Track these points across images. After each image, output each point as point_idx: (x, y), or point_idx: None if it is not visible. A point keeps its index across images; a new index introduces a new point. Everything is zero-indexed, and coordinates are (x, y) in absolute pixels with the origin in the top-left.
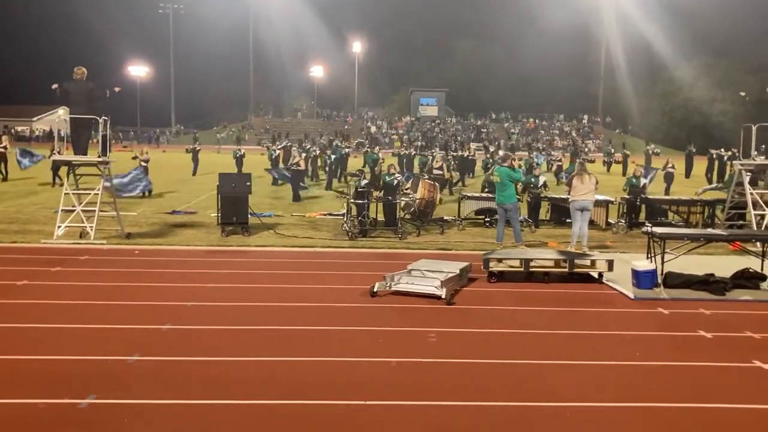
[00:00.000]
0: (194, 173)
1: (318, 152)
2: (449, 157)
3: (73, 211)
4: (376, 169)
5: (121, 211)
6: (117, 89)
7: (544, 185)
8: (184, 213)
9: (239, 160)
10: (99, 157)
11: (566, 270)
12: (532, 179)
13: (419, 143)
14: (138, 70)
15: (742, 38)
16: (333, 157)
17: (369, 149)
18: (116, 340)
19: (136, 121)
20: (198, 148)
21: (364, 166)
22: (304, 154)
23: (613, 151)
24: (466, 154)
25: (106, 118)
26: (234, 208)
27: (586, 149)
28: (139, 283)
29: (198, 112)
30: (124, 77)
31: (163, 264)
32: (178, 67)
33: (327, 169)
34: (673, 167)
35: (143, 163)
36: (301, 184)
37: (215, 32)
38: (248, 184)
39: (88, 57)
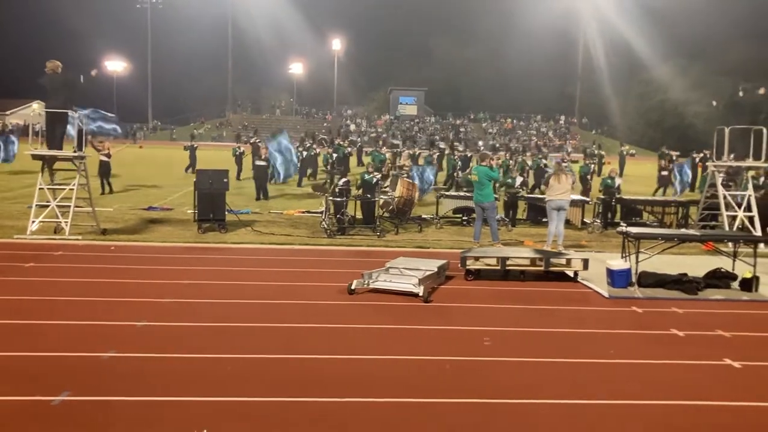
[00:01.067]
0: (193, 170)
1: (318, 150)
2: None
3: (48, 206)
4: (383, 169)
5: (97, 207)
6: (93, 72)
7: (524, 184)
8: (160, 209)
9: (239, 158)
10: (74, 151)
11: (542, 268)
12: (509, 179)
13: (398, 142)
14: (115, 65)
15: (715, 41)
16: (335, 156)
17: (377, 149)
18: (91, 337)
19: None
20: (195, 145)
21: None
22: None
23: (596, 152)
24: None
25: (82, 111)
26: (211, 205)
27: (569, 150)
28: (115, 280)
29: (176, 107)
30: (101, 72)
31: (138, 260)
32: (155, 62)
33: (328, 167)
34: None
35: (103, 158)
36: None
37: (194, 27)
38: (225, 180)
39: (64, 51)
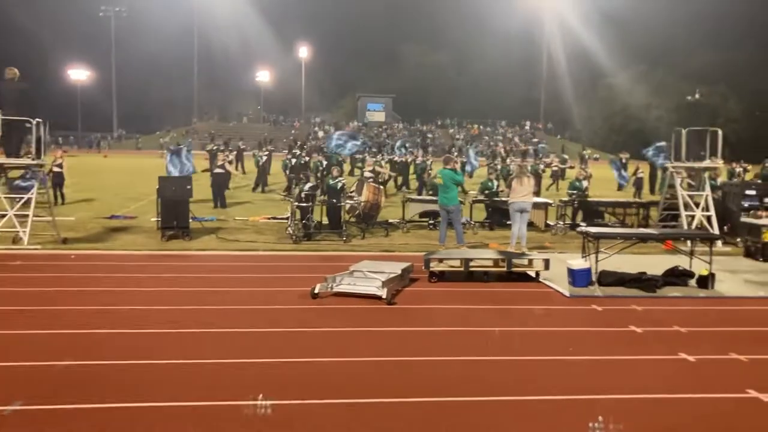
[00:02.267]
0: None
1: (308, 158)
2: (391, 160)
3: (5, 215)
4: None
5: (58, 216)
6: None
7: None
8: (123, 218)
9: (263, 168)
10: (33, 159)
11: (505, 269)
12: (489, 183)
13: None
14: (78, 74)
15: (675, 47)
16: (324, 163)
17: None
18: (47, 346)
19: (77, 126)
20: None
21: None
22: (230, 157)
23: (567, 157)
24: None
25: (40, 120)
26: (174, 212)
27: (541, 155)
28: (73, 288)
29: (141, 116)
30: (64, 81)
31: (99, 268)
32: (120, 70)
33: (318, 174)
34: (642, 172)
35: (56, 168)
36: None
37: (158, 35)
38: (189, 187)
39: (25, 60)
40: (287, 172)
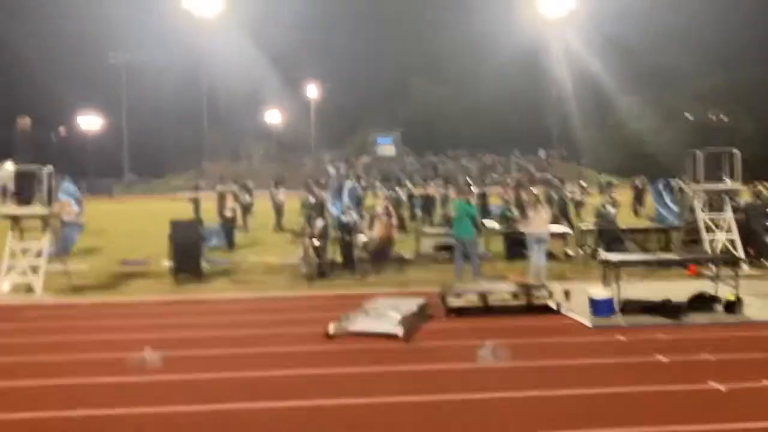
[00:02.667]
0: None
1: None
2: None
3: (19, 265)
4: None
5: (71, 264)
6: (62, 129)
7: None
8: (135, 263)
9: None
10: (44, 208)
11: (524, 302)
12: (507, 212)
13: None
14: (89, 121)
15: (683, 69)
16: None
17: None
18: (59, 396)
19: (88, 172)
20: (199, 198)
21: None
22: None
23: (585, 185)
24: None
25: (51, 169)
26: (187, 256)
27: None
28: (85, 337)
29: (151, 160)
30: (75, 128)
31: (111, 316)
32: (130, 115)
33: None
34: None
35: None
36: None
37: (167, 80)
38: (200, 230)
39: (35, 108)
40: (305, 210)
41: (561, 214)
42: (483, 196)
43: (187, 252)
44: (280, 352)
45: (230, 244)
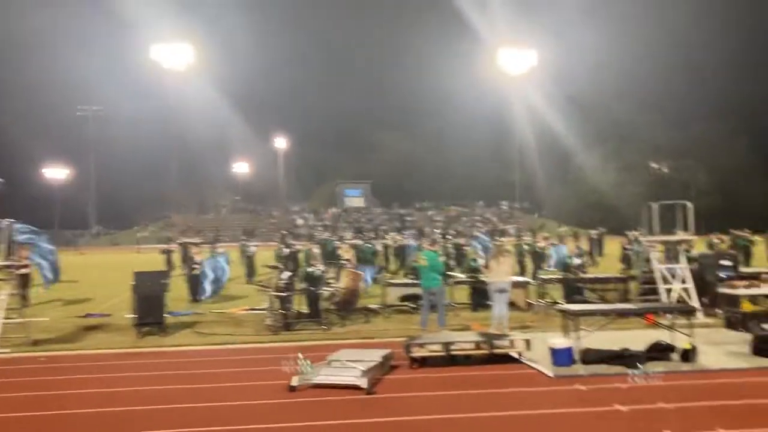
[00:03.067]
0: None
1: (298, 247)
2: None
3: None
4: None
5: (32, 317)
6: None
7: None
8: (98, 316)
9: (250, 259)
10: (3, 261)
11: (487, 351)
12: (472, 263)
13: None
14: (55, 173)
15: (641, 125)
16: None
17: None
18: None
19: (54, 224)
20: (172, 250)
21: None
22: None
23: (549, 235)
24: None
25: (9, 221)
26: (149, 308)
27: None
28: (43, 392)
29: (118, 212)
30: (40, 179)
31: (70, 370)
32: (97, 167)
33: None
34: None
35: (23, 270)
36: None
37: (136, 132)
38: (164, 282)
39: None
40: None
41: (534, 263)
42: (458, 247)
43: (150, 304)
44: (241, 405)
45: (195, 295)
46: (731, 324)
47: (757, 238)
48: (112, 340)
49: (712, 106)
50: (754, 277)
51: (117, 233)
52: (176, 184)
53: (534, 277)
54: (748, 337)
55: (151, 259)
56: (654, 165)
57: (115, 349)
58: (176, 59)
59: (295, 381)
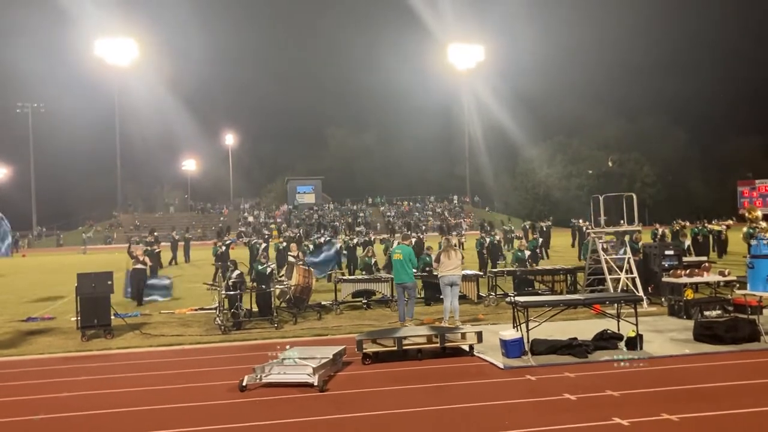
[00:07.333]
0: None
1: (262, 244)
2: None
3: None
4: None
5: None
6: None
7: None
8: (41, 319)
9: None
10: None
11: (438, 345)
12: (427, 258)
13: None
14: None
15: (587, 119)
16: (263, 245)
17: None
18: None
19: None
20: (158, 250)
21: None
22: (147, 249)
23: (512, 227)
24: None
25: None
26: (95, 310)
27: (463, 228)
28: None
29: (62, 212)
30: None
31: (10, 376)
32: (39, 166)
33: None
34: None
35: None
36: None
37: (78, 129)
38: (109, 283)
39: None
40: (216, 260)
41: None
42: (420, 241)
43: (95, 306)
44: (191, 406)
45: (139, 299)
46: (674, 312)
47: (716, 227)
48: (56, 344)
49: (653, 101)
50: (697, 266)
51: (61, 234)
52: (122, 182)
53: (487, 271)
54: (690, 324)
55: (97, 259)
56: (612, 158)
57: (60, 353)
58: (121, 55)
59: (245, 380)
